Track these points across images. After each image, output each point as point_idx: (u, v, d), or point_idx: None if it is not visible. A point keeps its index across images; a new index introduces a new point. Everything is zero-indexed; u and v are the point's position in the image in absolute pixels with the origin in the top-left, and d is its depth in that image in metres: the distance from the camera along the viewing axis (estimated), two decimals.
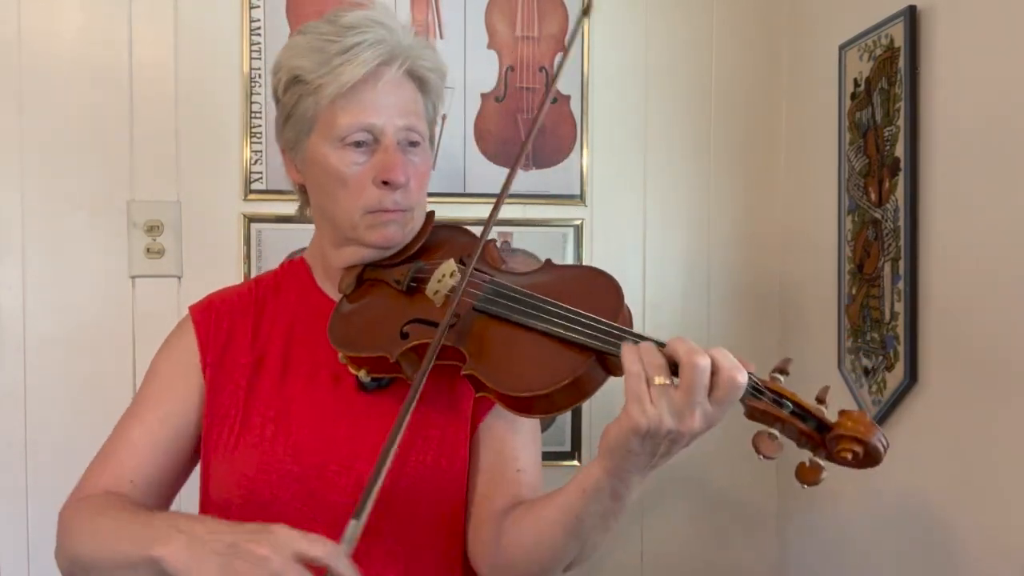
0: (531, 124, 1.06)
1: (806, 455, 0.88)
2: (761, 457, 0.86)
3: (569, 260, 1.80)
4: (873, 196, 1.46)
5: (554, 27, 1.80)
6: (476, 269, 1.05)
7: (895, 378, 1.38)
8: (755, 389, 0.86)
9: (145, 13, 1.69)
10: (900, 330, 1.37)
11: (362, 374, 1.07)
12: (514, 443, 1.11)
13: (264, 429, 1.08)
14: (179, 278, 1.71)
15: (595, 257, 1.81)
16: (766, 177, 1.86)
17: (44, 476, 1.67)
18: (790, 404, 0.87)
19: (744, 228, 1.86)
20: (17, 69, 1.66)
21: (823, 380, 1.63)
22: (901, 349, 1.36)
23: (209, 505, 1.11)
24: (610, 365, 0.92)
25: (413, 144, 1.10)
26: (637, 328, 0.96)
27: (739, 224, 1.86)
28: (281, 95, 1.12)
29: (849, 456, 0.84)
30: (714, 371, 0.83)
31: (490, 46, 1.79)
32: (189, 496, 1.17)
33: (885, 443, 0.86)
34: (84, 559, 1.00)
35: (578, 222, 1.81)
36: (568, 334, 0.92)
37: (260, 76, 1.72)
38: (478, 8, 1.78)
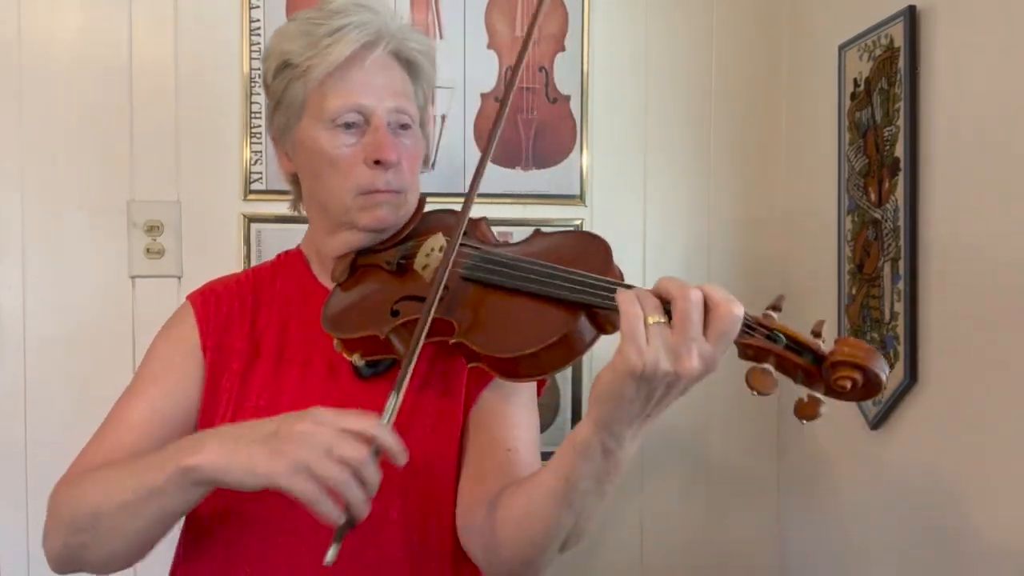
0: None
1: (804, 392, 0.83)
2: (755, 393, 0.82)
3: None
4: (873, 196, 1.46)
5: (554, 27, 1.80)
6: (465, 245, 1.03)
7: (895, 378, 1.38)
8: (747, 326, 0.82)
9: (145, 13, 1.69)
10: (900, 330, 1.37)
11: (355, 358, 1.05)
12: (505, 423, 1.09)
13: (256, 417, 1.06)
14: (179, 278, 1.71)
15: None
16: (766, 177, 1.86)
17: (44, 476, 1.63)
18: (784, 338, 0.82)
19: (744, 228, 1.86)
20: (17, 69, 1.66)
21: None
22: (901, 349, 1.36)
23: None
24: (600, 322, 0.91)
25: (404, 127, 1.11)
26: None
27: (739, 223, 1.86)
28: (271, 81, 1.13)
29: (848, 385, 0.80)
30: (710, 306, 0.80)
31: (490, 46, 1.79)
32: None
33: (886, 368, 0.80)
34: (88, 512, 0.97)
35: (578, 222, 1.80)
36: (556, 292, 0.91)
37: (260, 76, 1.72)
38: (478, 8, 1.78)
